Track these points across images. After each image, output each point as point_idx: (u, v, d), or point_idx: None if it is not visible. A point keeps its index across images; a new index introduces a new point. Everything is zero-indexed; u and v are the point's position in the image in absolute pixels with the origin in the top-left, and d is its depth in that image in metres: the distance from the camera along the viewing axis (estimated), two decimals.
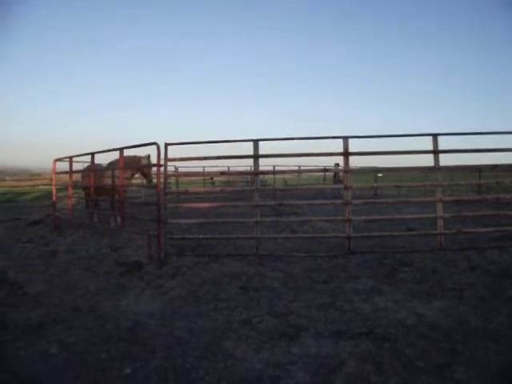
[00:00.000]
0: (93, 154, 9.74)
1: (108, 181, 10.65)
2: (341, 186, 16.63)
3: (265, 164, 18.52)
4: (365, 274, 5.74)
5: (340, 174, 20.15)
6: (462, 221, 9.21)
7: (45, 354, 3.42)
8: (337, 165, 18.00)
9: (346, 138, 6.98)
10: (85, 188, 11.95)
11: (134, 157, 10.54)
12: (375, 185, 10.66)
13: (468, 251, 6.81)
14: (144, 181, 11.56)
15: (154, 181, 7.37)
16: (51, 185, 11.97)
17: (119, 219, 9.75)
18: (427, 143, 7.05)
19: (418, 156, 7.30)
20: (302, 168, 19.45)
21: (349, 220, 7.00)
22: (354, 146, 7.03)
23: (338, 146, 7.07)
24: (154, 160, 8.40)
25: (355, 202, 7.36)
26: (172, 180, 21.64)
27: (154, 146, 6.98)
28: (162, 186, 7.24)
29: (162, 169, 7.19)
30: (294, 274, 5.87)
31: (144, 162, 10.56)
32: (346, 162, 7.02)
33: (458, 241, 7.57)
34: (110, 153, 9.19)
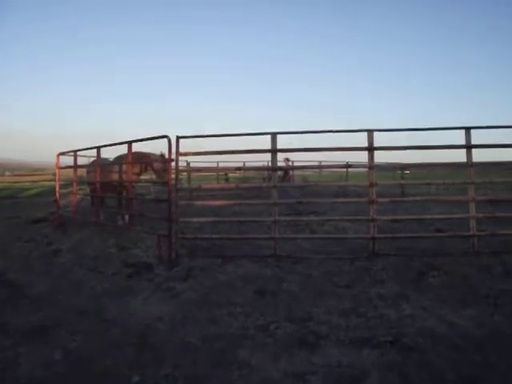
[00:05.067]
0: (99, 148, 9.81)
1: (115, 176, 10.72)
2: (289, 184, 16.48)
3: (283, 159, 18.48)
4: (390, 278, 5.70)
5: (290, 172, 19.72)
6: (496, 222, 9.07)
7: (47, 361, 3.45)
8: (286, 160, 17.67)
9: (370, 132, 6.92)
10: (90, 184, 12.05)
11: (146, 154, 10.49)
12: (402, 182, 10.55)
13: (503, 255, 6.69)
14: (154, 176, 11.59)
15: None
16: (54, 180, 12.09)
17: (127, 217, 9.81)
18: (459, 137, 6.94)
19: (448, 151, 7.20)
20: (322, 163, 19.41)
21: (373, 220, 6.94)
22: (378, 140, 6.99)
23: (361, 140, 7.02)
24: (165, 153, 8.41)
25: (380, 200, 7.29)
26: (184, 176, 21.74)
27: (165, 140, 7.00)
28: (174, 181, 7.26)
29: (174, 164, 7.21)
30: (314, 277, 5.85)
31: (156, 164, 10.46)
32: (371, 157, 6.96)
33: (492, 244, 7.45)
34: (115, 147, 9.26)
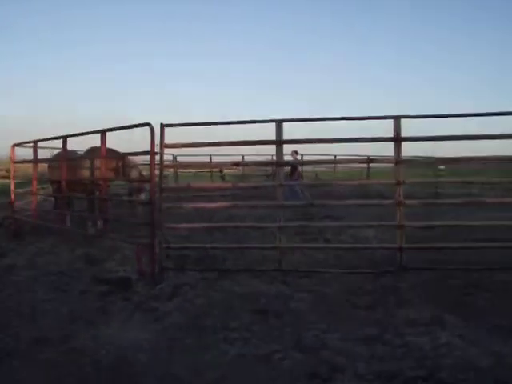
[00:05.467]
0: (65, 138, 9.72)
1: (86, 173, 10.68)
2: (296, 182, 16.41)
3: (290, 152, 18.41)
4: (422, 298, 5.67)
5: (300, 167, 19.67)
6: None
7: None
8: (294, 152, 17.60)
9: (397, 118, 6.87)
10: (54, 182, 11.97)
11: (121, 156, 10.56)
12: (436, 180, 10.46)
13: None
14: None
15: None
16: (9, 178, 12.01)
17: (100, 223, 9.78)
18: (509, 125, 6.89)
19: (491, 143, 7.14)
20: (338, 158, 19.34)
21: (401, 226, 6.90)
22: (407, 129, 6.95)
23: (386, 130, 6.99)
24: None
25: (410, 202, 7.25)
26: (170, 172, 21.69)
27: (147, 128, 6.95)
28: (158, 179, 7.23)
29: (158, 158, 7.17)
30: (328, 296, 5.84)
31: (133, 173, 10.59)
32: (398, 149, 6.92)
33: None
34: (88, 136, 9.21)
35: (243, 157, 21.22)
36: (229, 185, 9.78)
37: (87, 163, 10.72)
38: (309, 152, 19.20)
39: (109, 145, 8.79)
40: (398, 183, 6.96)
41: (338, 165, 26.15)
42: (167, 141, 7.10)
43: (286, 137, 7.17)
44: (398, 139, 6.86)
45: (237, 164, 12.02)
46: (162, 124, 7.03)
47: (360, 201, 11.82)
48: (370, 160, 10.46)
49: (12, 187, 11.23)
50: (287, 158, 18.13)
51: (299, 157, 18.31)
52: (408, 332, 4.61)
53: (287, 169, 19.16)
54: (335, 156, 19.91)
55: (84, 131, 9.12)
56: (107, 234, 8.77)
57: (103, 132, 8.43)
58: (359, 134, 7.39)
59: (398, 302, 5.57)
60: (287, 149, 7.22)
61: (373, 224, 8.52)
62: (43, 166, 13.39)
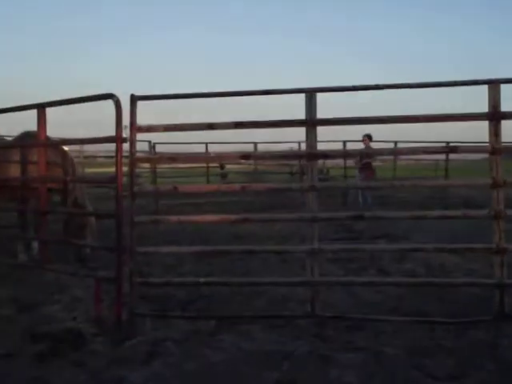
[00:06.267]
0: None
1: (15, 170, 10.64)
2: (370, 183, 16.23)
3: (326, 138, 18.37)
4: None
5: (375, 160, 19.59)
6: None
7: None
8: (367, 137, 17.51)
9: (494, 84, 6.73)
10: None
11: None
12: None
13: None
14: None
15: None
16: None
17: (37, 246, 9.75)
18: None
19: None
20: (399, 146, 19.26)
21: (501, 251, 6.77)
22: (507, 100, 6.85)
23: (476, 101, 6.89)
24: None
25: None
26: (145, 169, 21.76)
27: (110, 101, 6.89)
28: (126, 179, 7.17)
29: (126, 146, 7.09)
30: (388, 357, 5.77)
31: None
32: (495, 132, 6.77)
33: None
34: (21, 114, 9.17)
35: (256, 145, 21.26)
36: (236, 187, 9.63)
37: (17, 155, 10.63)
38: (354, 137, 19.10)
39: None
40: (496, 184, 6.81)
41: (400, 156, 26.02)
42: (142, 121, 7.05)
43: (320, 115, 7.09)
44: (495, 116, 6.71)
45: (246, 157, 11.69)
46: (132, 96, 6.96)
47: (435, 212, 11.70)
48: (450, 148, 10.19)
49: None
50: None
51: (369, 143, 18.13)
52: None
53: (356, 160, 19.10)
54: (395, 143, 19.84)
55: (11, 106, 9.04)
56: (48, 263, 8.69)
57: (41, 107, 8.30)
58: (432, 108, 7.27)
59: (500, 368, 5.47)
60: (322, 132, 7.02)
61: (455, 247, 8.41)
62: None
